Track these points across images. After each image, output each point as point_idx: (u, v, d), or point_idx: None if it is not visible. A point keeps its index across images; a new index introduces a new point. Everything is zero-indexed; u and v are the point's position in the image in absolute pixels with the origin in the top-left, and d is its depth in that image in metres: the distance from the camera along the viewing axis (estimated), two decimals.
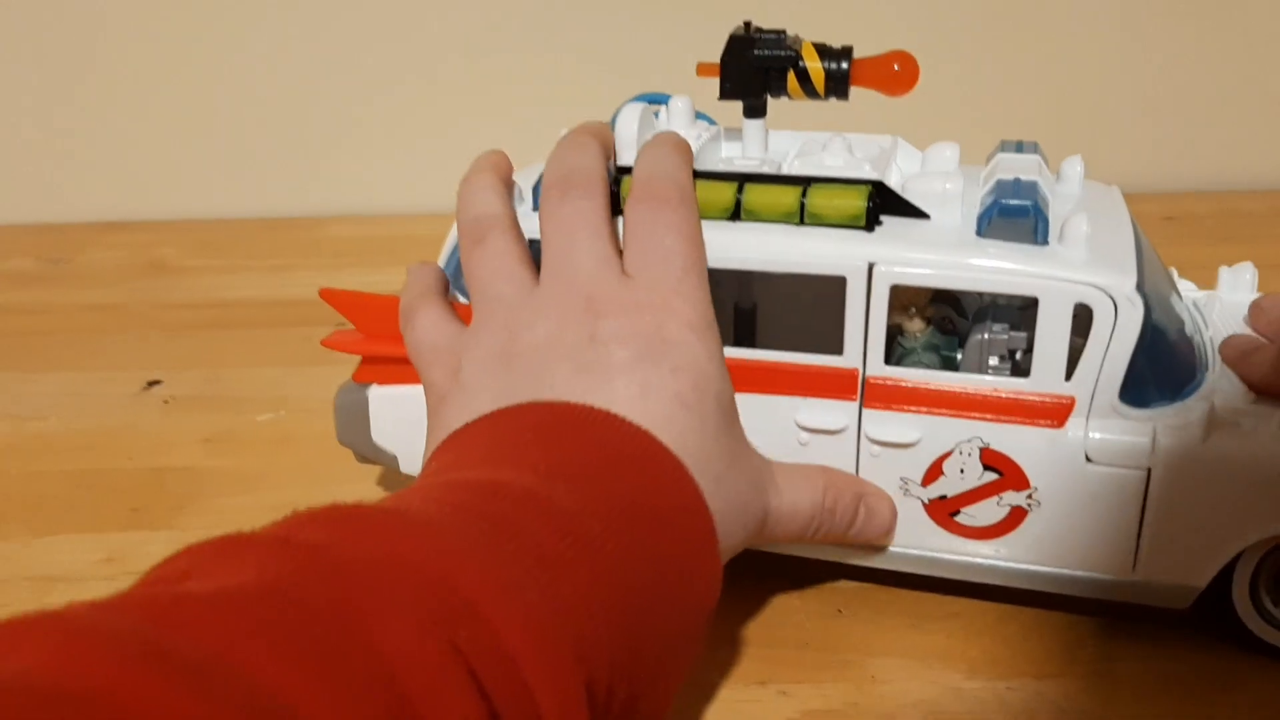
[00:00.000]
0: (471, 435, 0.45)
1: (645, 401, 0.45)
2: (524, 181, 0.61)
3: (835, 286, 0.55)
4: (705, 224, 0.56)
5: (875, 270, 0.54)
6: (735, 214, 0.56)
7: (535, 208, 0.57)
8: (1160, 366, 0.52)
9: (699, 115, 0.66)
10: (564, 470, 0.41)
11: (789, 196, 0.56)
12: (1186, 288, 0.64)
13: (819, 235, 0.55)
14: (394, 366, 0.62)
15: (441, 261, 0.63)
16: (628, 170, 0.58)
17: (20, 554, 0.62)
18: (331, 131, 1.17)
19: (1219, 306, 0.62)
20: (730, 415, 0.49)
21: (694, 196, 0.54)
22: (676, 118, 0.64)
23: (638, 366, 0.46)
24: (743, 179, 0.57)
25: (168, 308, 0.97)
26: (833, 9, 1.08)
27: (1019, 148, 0.61)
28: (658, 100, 0.72)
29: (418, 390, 0.59)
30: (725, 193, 0.56)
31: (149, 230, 1.14)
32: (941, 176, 0.57)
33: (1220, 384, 0.54)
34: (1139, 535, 0.53)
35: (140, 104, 1.16)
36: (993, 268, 0.52)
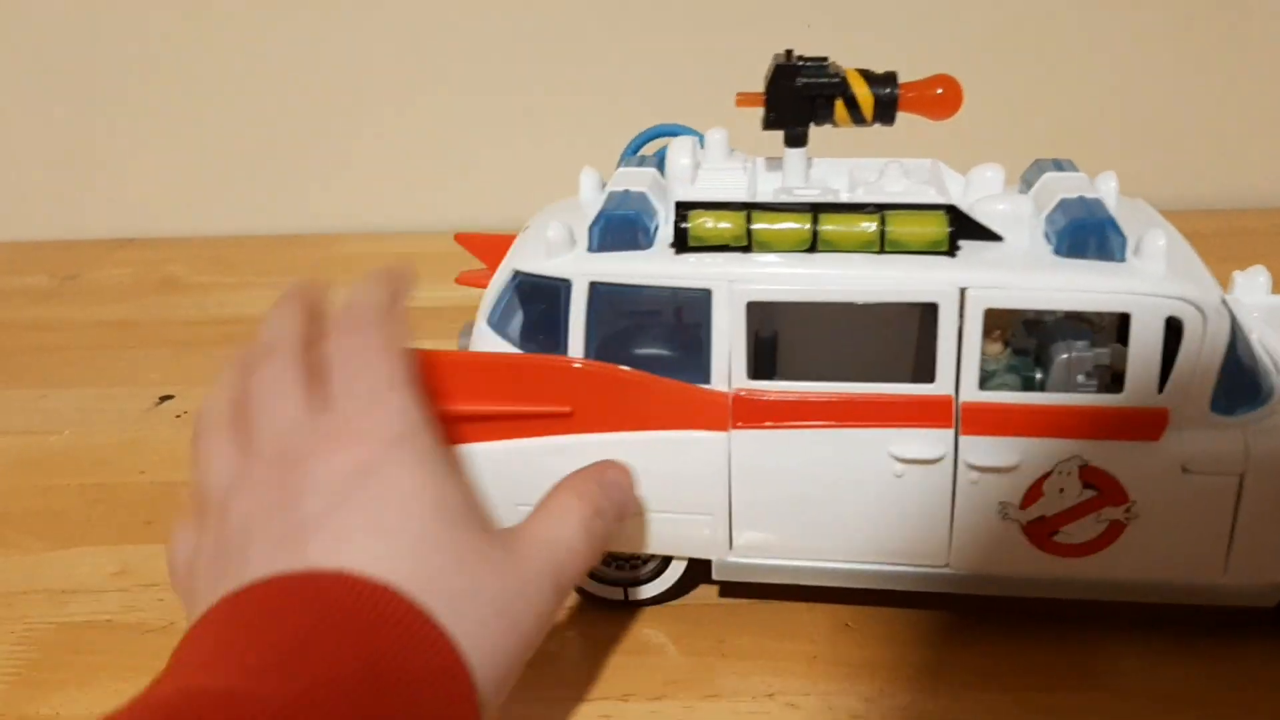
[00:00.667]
0: (190, 640, 0.40)
1: (353, 547, 0.41)
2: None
3: (922, 314, 0.54)
4: (783, 258, 0.55)
5: (967, 295, 0.53)
6: (813, 245, 0.55)
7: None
8: (1243, 374, 0.54)
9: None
10: (277, 658, 0.37)
11: (867, 225, 0.55)
12: None
13: (902, 263, 0.54)
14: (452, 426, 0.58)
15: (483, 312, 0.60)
16: (691, 206, 0.56)
17: (36, 566, 0.64)
18: (342, 150, 1.18)
19: (1242, 310, 0.64)
20: (463, 512, 0.44)
21: (397, 313, 0.51)
22: (714, 149, 0.63)
23: (334, 514, 0.42)
24: (815, 209, 0.56)
25: (179, 324, 0.98)
26: (825, 36, 1.09)
27: (1058, 166, 0.62)
28: (673, 132, 0.70)
29: (470, 450, 0.56)
30: (800, 224, 0.55)
31: (160, 247, 1.16)
32: (1008, 198, 0.57)
33: None
34: (1230, 539, 0.54)
35: (152, 123, 1.17)
36: (1084, 286, 0.53)
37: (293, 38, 1.14)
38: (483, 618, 0.41)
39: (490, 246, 0.70)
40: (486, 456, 0.57)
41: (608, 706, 0.56)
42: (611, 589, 0.63)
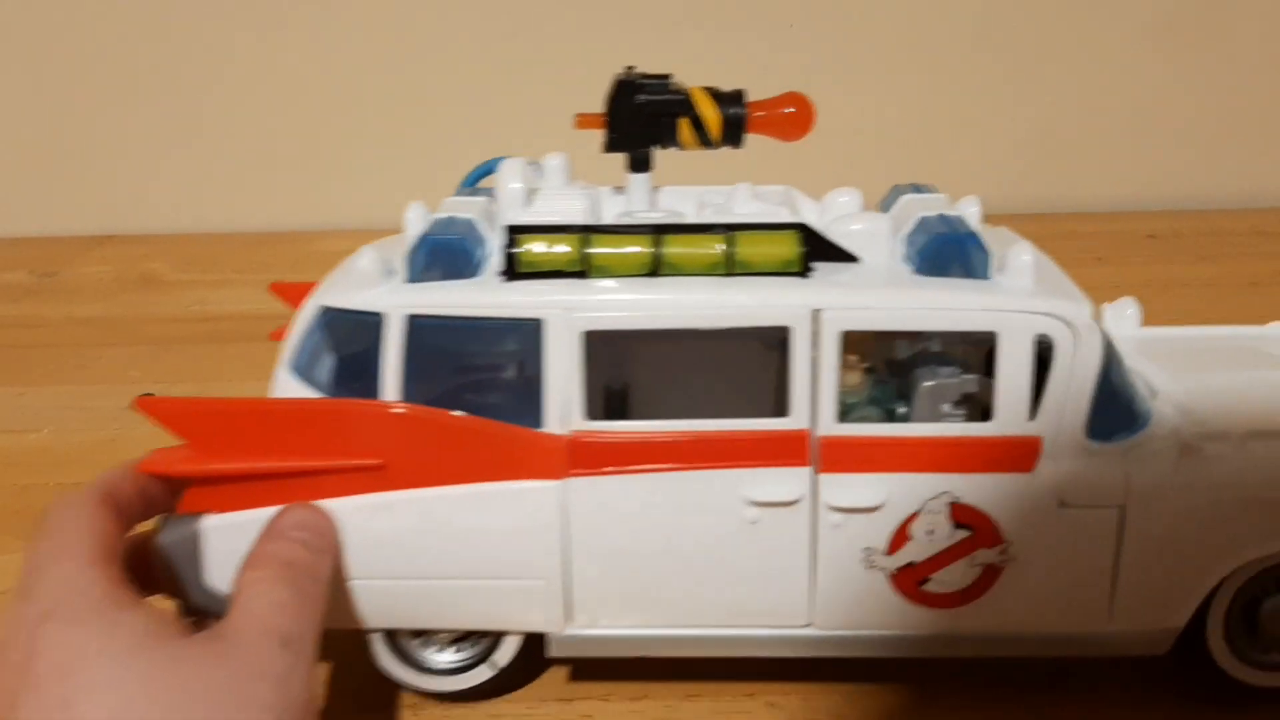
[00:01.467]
0: None
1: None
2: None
3: (774, 340, 0.49)
4: (623, 283, 0.50)
5: (821, 317, 0.48)
6: (655, 269, 0.50)
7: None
8: (1119, 396, 0.50)
9: None
10: None
11: (714, 245, 0.50)
12: None
13: (751, 285, 0.50)
14: (238, 487, 0.50)
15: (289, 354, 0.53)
16: (522, 229, 0.51)
17: (15, 566, 0.58)
18: (321, 147, 1.18)
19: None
20: (153, 643, 0.42)
21: (302, 565, 0.48)
22: (552, 175, 0.58)
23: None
24: (658, 230, 0.51)
25: (159, 321, 0.98)
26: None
27: (917, 189, 0.58)
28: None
29: (268, 516, 0.49)
30: (642, 247, 0.50)
31: (140, 244, 1.15)
32: (865, 217, 0.53)
33: (1164, 408, 0.52)
34: (1114, 580, 0.50)
35: (131, 119, 1.17)
36: (946, 304, 0.48)
37: (273, 37, 1.14)
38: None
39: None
40: None
41: (589, 706, 0.55)
42: (431, 678, 0.55)
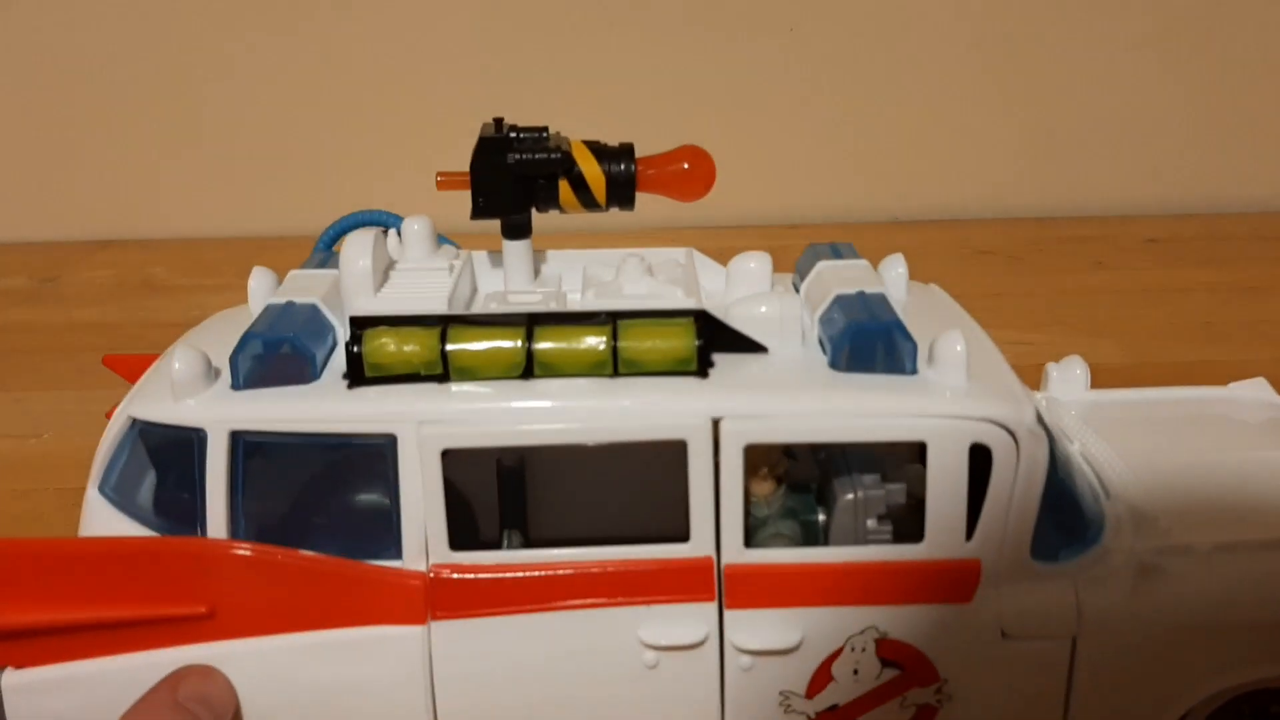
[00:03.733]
0: None
1: None
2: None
3: (669, 454, 0.42)
4: (490, 387, 0.42)
5: (722, 427, 0.41)
6: (528, 370, 0.42)
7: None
8: (1067, 510, 0.43)
9: (441, 239, 0.52)
10: None
11: (595, 340, 0.42)
12: None
13: (641, 388, 0.42)
14: (40, 641, 0.42)
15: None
16: (368, 322, 0.43)
17: None
18: (323, 152, 1.16)
19: (1061, 411, 0.55)
20: None
21: None
22: (414, 244, 0.50)
23: None
24: (530, 320, 0.43)
25: (160, 326, 0.95)
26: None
27: (835, 252, 0.51)
28: (377, 221, 0.57)
29: (73, 671, 0.40)
30: (510, 341, 0.42)
31: (141, 249, 1.15)
32: (772, 298, 0.45)
33: (1120, 511, 0.46)
34: (1065, 717, 0.43)
35: (132, 124, 1.16)
36: (867, 410, 0.41)
37: (276, 43, 1.13)
38: None
39: (143, 370, 0.55)
40: (96, 679, 0.41)
41: None
42: None
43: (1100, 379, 0.57)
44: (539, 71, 1.14)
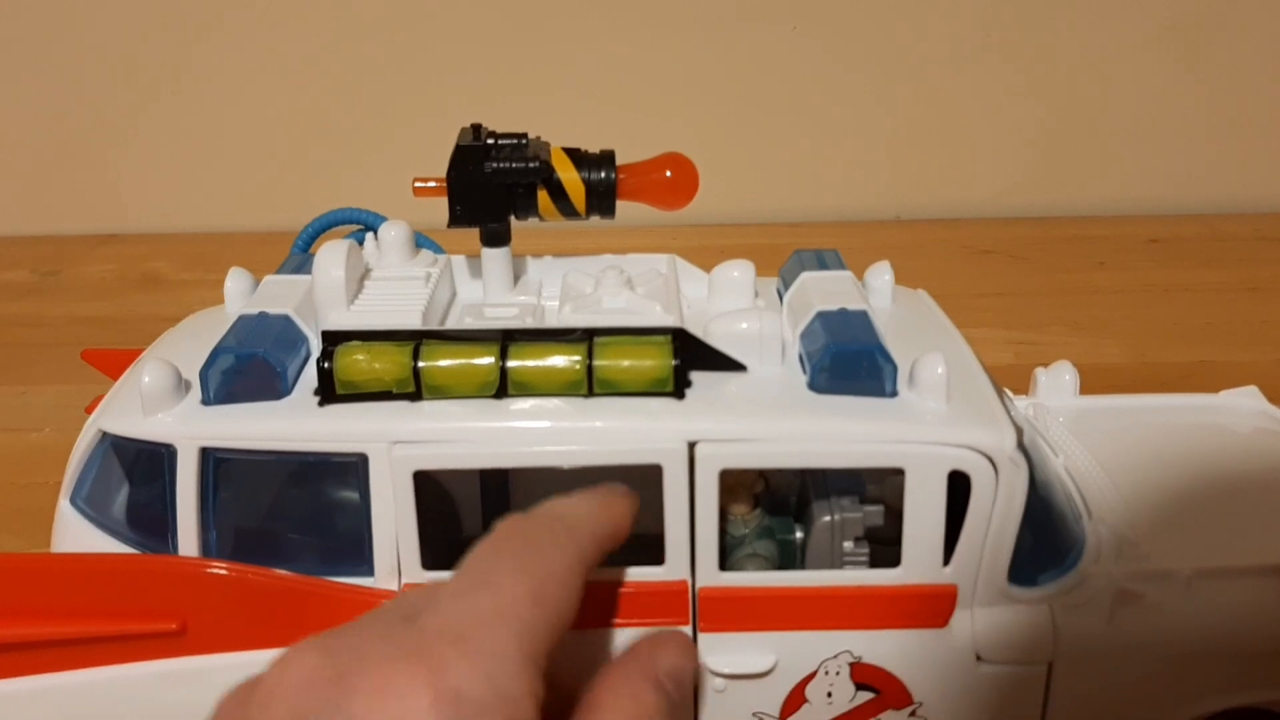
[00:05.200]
0: None
1: None
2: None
3: (643, 477, 0.41)
4: (463, 406, 0.41)
5: (698, 451, 0.40)
6: (502, 389, 0.42)
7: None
8: (1047, 533, 0.43)
9: (421, 240, 0.51)
10: None
11: (570, 359, 0.42)
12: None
13: (616, 409, 0.41)
14: (12, 654, 0.42)
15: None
16: (340, 336, 0.42)
17: None
18: (325, 146, 1.16)
19: (1049, 419, 0.54)
20: None
21: (580, 538, 0.37)
22: (391, 250, 0.49)
23: None
24: (505, 337, 0.42)
25: (161, 320, 0.90)
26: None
27: (820, 261, 0.50)
28: (355, 219, 0.56)
29: (45, 684, 0.40)
30: (483, 359, 0.41)
31: (143, 243, 1.14)
32: (753, 315, 0.44)
33: (1100, 533, 0.45)
34: None
35: (134, 118, 1.15)
36: (845, 436, 0.41)
37: (277, 36, 1.12)
38: None
39: (123, 365, 0.54)
40: (67, 692, 0.41)
41: None
42: None
43: (1101, 379, 0.56)
44: (527, 66, 1.13)
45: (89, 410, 0.56)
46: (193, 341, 0.48)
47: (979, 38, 1.11)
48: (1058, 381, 0.56)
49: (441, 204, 0.47)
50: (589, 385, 0.42)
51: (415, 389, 0.42)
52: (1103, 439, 0.52)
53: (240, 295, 0.51)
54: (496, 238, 0.48)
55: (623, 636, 0.42)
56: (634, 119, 1.07)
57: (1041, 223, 1.07)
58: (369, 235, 0.50)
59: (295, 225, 1.17)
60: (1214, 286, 0.79)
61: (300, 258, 0.52)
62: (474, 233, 0.48)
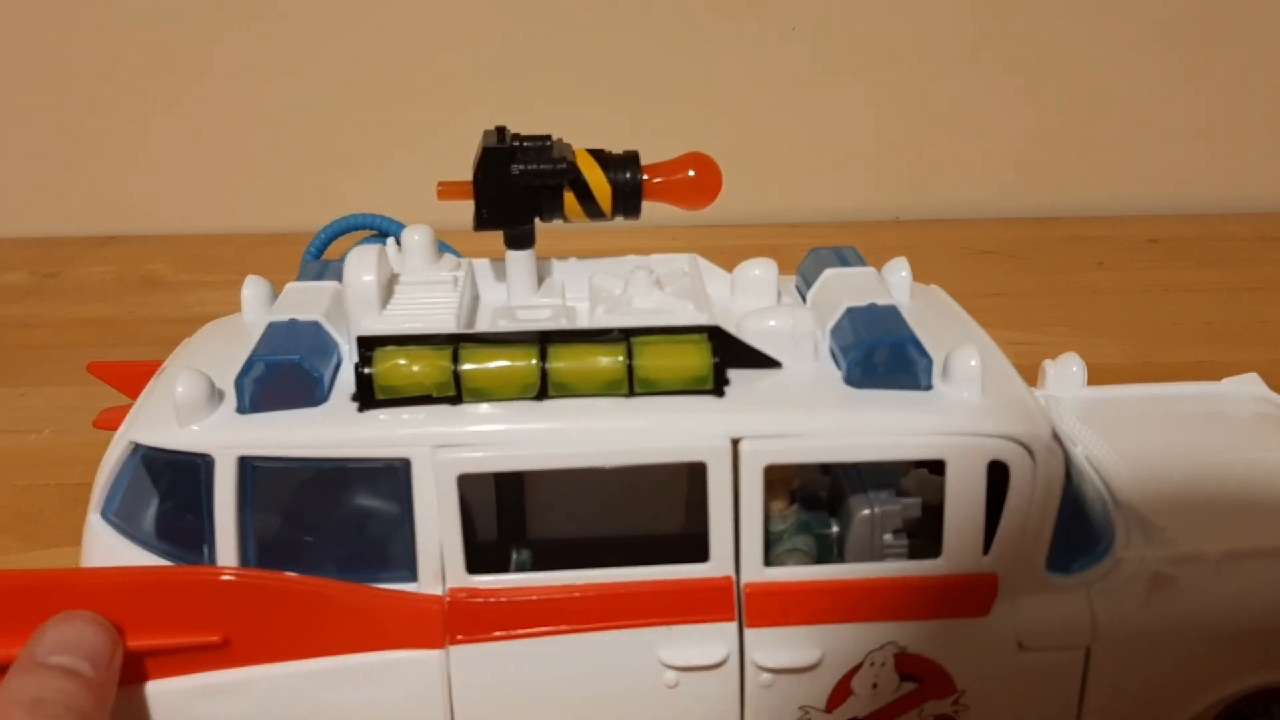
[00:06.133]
0: None
1: None
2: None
3: (688, 475, 0.42)
4: (504, 409, 0.41)
5: (742, 448, 0.41)
6: (543, 391, 0.42)
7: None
8: (1081, 520, 0.44)
9: (441, 246, 0.51)
10: None
11: (610, 359, 0.42)
12: None
13: (658, 408, 0.42)
14: None
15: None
16: (378, 341, 0.42)
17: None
18: (325, 148, 1.16)
19: (1060, 410, 0.55)
20: None
21: (63, 703, 0.37)
22: (415, 255, 0.49)
23: None
24: (543, 339, 0.42)
25: (161, 322, 0.97)
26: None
27: (840, 258, 0.51)
28: (369, 225, 0.56)
29: None
30: (524, 362, 0.41)
31: (142, 245, 1.14)
32: (783, 311, 0.45)
33: (1127, 521, 0.46)
34: None
35: (134, 119, 1.15)
36: (887, 429, 0.41)
37: (275, 38, 1.12)
38: None
39: (130, 376, 0.54)
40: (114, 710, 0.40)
41: None
42: None
43: (1101, 379, 0.57)
44: (536, 69, 1.13)
45: (98, 424, 0.55)
46: (215, 351, 0.47)
47: (978, 39, 1.12)
48: (1066, 373, 0.57)
49: (450, 207, 0.47)
50: (630, 385, 0.42)
51: (456, 392, 0.42)
52: (1114, 428, 0.53)
53: (258, 302, 0.50)
54: (521, 240, 0.48)
55: (668, 635, 0.42)
56: (630, 121, 1.08)
57: (1041, 223, 1.08)
58: (389, 241, 0.50)
59: (294, 227, 1.14)
60: (1213, 286, 0.81)
61: (320, 264, 0.51)
62: (479, 236, 0.48)
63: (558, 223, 0.48)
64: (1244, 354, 0.81)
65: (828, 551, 0.44)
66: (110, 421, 0.54)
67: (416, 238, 0.49)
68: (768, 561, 0.42)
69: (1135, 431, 0.53)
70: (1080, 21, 1.12)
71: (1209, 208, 1.17)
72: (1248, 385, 0.57)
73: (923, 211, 1.12)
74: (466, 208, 0.47)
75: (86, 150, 1.17)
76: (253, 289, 0.51)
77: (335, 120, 1.16)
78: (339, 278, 0.49)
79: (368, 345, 0.42)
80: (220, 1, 1.11)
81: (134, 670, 0.41)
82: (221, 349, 0.47)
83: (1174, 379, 0.59)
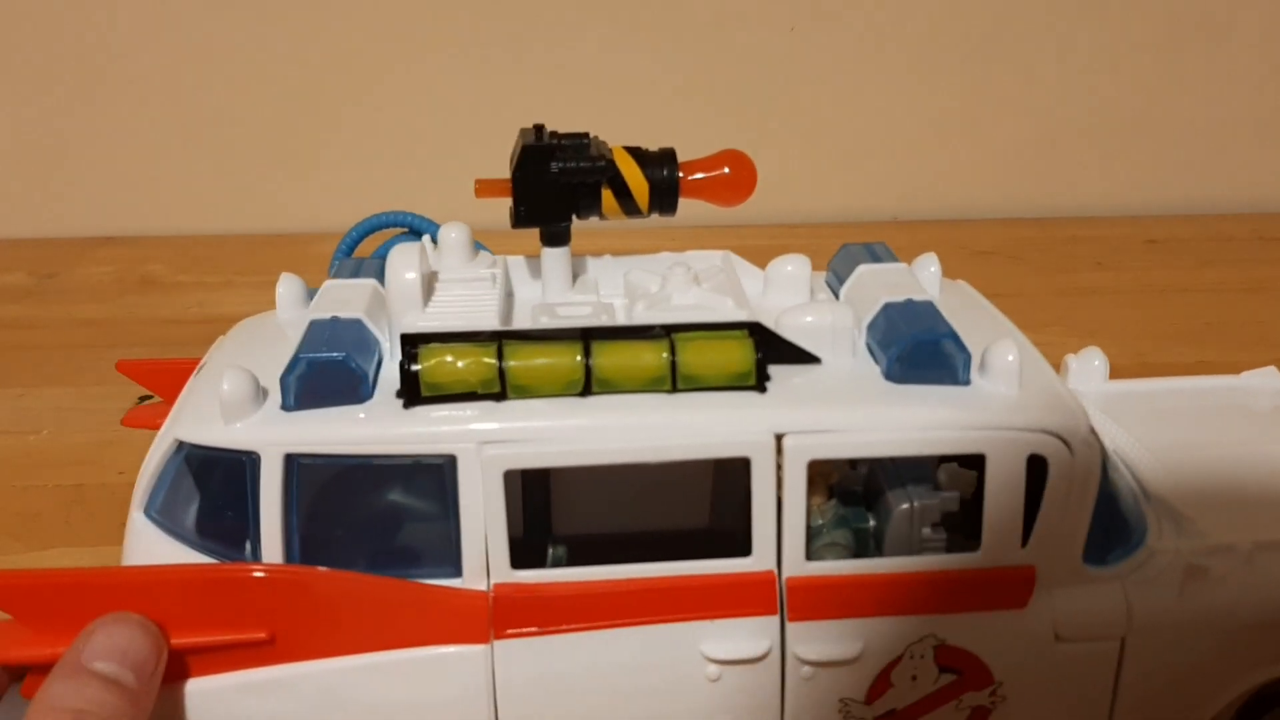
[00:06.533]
0: None
1: None
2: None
3: (731, 470, 0.42)
4: (549, 405, 0.42)
5: (785, 443, 0.41)
6: (587, 387, 0.42)
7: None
8: (1114, 512, 0.44)
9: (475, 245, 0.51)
10: None
11: (653, 355, 0.42)
12: None
13: (701, 404, 0.42)
14: None
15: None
16: (422, 338, 0.42)
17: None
18: (323, 149, 1.16)
19: (1085, 404, 0.56)
20: None
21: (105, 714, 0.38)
22: (451, 252, 0.49)
23: None
24: (585, 335, 0.43)
25: (159, 323, 0.97)
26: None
27: (872, 254, 0.51)
28: (399, 223, 0.56)
29: None
30: (568, 358, 0.42)
31: (140, 246, 1.14)
32: (821, 307, 0.45)
33: (1159, 513, 0.47)
34: (1110, 716, 0.45)
35: (131, 120, 1.15)
36: (927, 424, 0.42)
37: (274, 39, 1.12)
38: None
39: (160, 374, 0.54)
40: (159, 707, 0.41)
41: None
42: None
43: None
44: (540, 68, 1.13)
45: (126, 422, 0.56)
46: (251, 349, 0.48)
47: (978, 39, 1.13)
48: (1088, 367, 0.58)
49: (462, 206, 0.47)
50: (673, 381, 0.42)
51: (500, 389, 0.42)
52: (1138, 421, 0.54)
53: (293, 301, 0.50)
54: (558, 237, 0.48)
55: (711, 628, 0.42)
56: (626, 123, 1.08)
57: (1040, 223, 1.09)
58: (425, 238, 0.50)
59: (294, 227, 1.15)
60: (1213, 286, 0.81)
61: (354, 262, 0.52)
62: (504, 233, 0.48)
63: (593, 220, 0.48)
64: (1243, 354, 0.82)
65: (864, 545, 0.45)
66: (139, 419, 0.55)
67: (454, 235, 0.49)
68: (809, 556, 0.43)
69: (1158, 424, 0.54)
70: (1080, 22, 1.12)
71: (1207, 208, 1.17)
72: (1267, 378, 0.58)
73: (922, 212, 1.13)
74: (482, 205, 0.48)
75: (85, 151, 1.17)
76: (287, 287, 0.51)
77: (334, 121, 1.15)
78: (373, 275, 0.49)
79: (412, 343, 0.42)
80: (218, 3, 1.11)
81: (179, 667, 0.41)
82: (260, 347, 0.47)
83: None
